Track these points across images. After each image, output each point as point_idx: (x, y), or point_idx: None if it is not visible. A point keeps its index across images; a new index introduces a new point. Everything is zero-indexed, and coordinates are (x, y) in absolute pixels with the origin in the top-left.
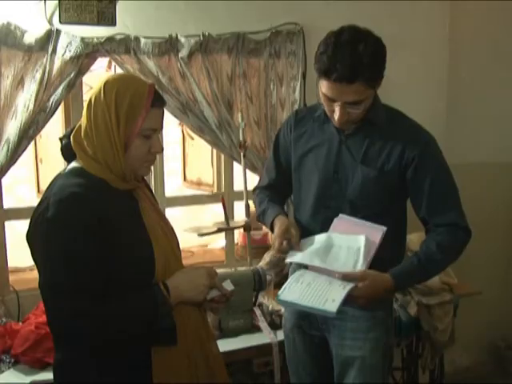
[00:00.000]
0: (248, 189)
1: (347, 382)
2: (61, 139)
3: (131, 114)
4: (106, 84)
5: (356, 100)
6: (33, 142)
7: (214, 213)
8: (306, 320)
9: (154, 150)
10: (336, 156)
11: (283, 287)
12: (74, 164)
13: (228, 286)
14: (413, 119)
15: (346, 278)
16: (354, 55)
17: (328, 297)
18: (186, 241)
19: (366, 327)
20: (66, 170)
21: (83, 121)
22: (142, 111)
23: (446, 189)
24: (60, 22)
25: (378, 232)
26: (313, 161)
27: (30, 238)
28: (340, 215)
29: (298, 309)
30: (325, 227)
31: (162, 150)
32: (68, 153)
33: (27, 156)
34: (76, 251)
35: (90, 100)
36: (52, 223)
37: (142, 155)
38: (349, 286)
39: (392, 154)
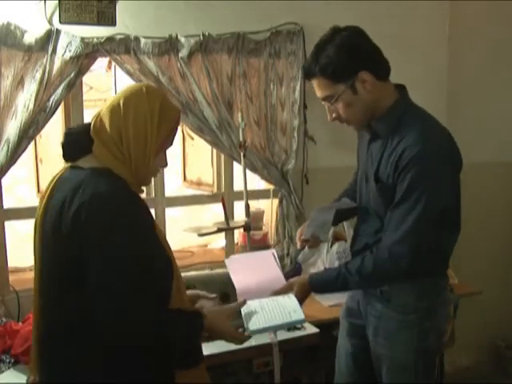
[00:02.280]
0: (248, 189)
1: (382, 378)
2: (68, 135)
3: (169, 128)
4: (150, 94)
5: (324, 95)
6: (33, 142)
7: (213, 213)
8: (356, 308)
9: (161, 164)
10: (366, 161)
11: (245, 321)
12: (89, 163)
13: None
14: (429, 123)
15: (276, 294)
16: (316, 53)
17: (288, 310)
18: (186, 241)
19: (396, 329)
20: (89, 170)
21: (111, 121)
22: (175, 128)
23: (405, 209)
24: (60, 21)
25: (269, 255)
26: (359, 164)
27: (67, 232)
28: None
29: (272, 330)
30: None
31: (167, 165)
32: (74, 149)
33: (27, 156)
34: (138, 254)
35: (128, 103)
36: (115, 225)
37: (157, 167)
38: (292, 295)
39: (392, 165)
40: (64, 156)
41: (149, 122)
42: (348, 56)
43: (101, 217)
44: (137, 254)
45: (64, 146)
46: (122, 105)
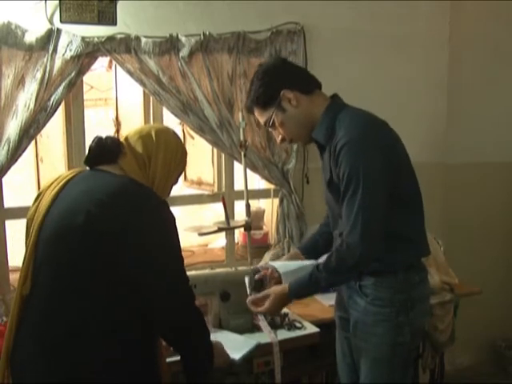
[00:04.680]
0: (248, 188)
1: (361, 369)
2: (99, 140)
3: (183, 168)
4: (176, 136)
5: (263, 122)
6: (33, 142)
7: (214, 212)
8: (343, 302)
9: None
10: (323, 173)
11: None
12: (116, 171)
13: None
14: (358, 117)
15: (254, 302)
16: (249, 90)
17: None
18: (187, 240)
19: (372, 321)
20: (125, 177)
21: (144, 145)
22: (184, 169)
23: (348, 200)
24: (61, 21)
25: None
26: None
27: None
28: None
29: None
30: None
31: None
32: (99, 155)
33: (28, 155)
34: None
35: (160, 136)
36: (167, 227)
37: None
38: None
39: (334, 163)
40: (88, 159)
41: (174, 158)
42: (267, 82)
43: (158, 215)
44: (180, 249)
45: (92, 149)
46: (154, 135)
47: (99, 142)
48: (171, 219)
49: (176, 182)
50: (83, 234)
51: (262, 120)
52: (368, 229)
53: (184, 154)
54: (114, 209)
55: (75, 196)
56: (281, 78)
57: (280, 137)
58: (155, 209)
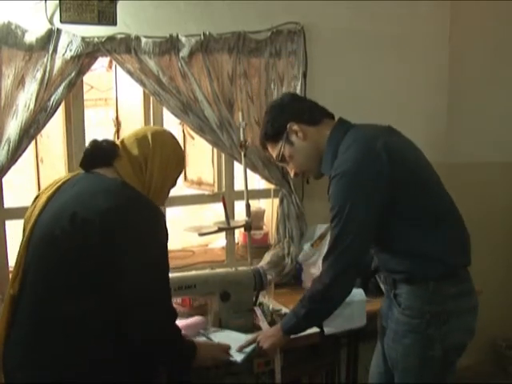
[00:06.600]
0: (248, 188)
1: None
2: (94, 144)
3: (181, 170)
4: (173, 137)
5: (275, 156)
6: (33, 142)
7: (214, 212)
8: (383, 311)
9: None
10: None
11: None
12: (110, 174)
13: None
14: (351, 146)
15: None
16: (261, 128)
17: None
18: (187, 240)
19: (402, 332)
20: (118, 179)
21: (140, 148)
22: (182, 171)
23: (332, 229)
24: (61, 21)
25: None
26: None
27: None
28: None
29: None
30: None
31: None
32: (95, 159)
33: (28, 155)
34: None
35: (156, 138)
36: (153, 234)
37: (163, 199)
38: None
39: None
40: (83, 162)
41: (170, 161)
42: (274, 116)
43: (142, 219)
44: (166, 259)
45: (87, 152)
46: (150, 138)
47: (94, 145)
48: (157, 221)
49: (174, 185)
50: (69, 237)
51: (274, 154)
52: (337, 259)
53: (181, 156)
54: (97, 211)
55: (65, 199)
56: (286, 112)
57: (293, 171)
58: (141, 211)
